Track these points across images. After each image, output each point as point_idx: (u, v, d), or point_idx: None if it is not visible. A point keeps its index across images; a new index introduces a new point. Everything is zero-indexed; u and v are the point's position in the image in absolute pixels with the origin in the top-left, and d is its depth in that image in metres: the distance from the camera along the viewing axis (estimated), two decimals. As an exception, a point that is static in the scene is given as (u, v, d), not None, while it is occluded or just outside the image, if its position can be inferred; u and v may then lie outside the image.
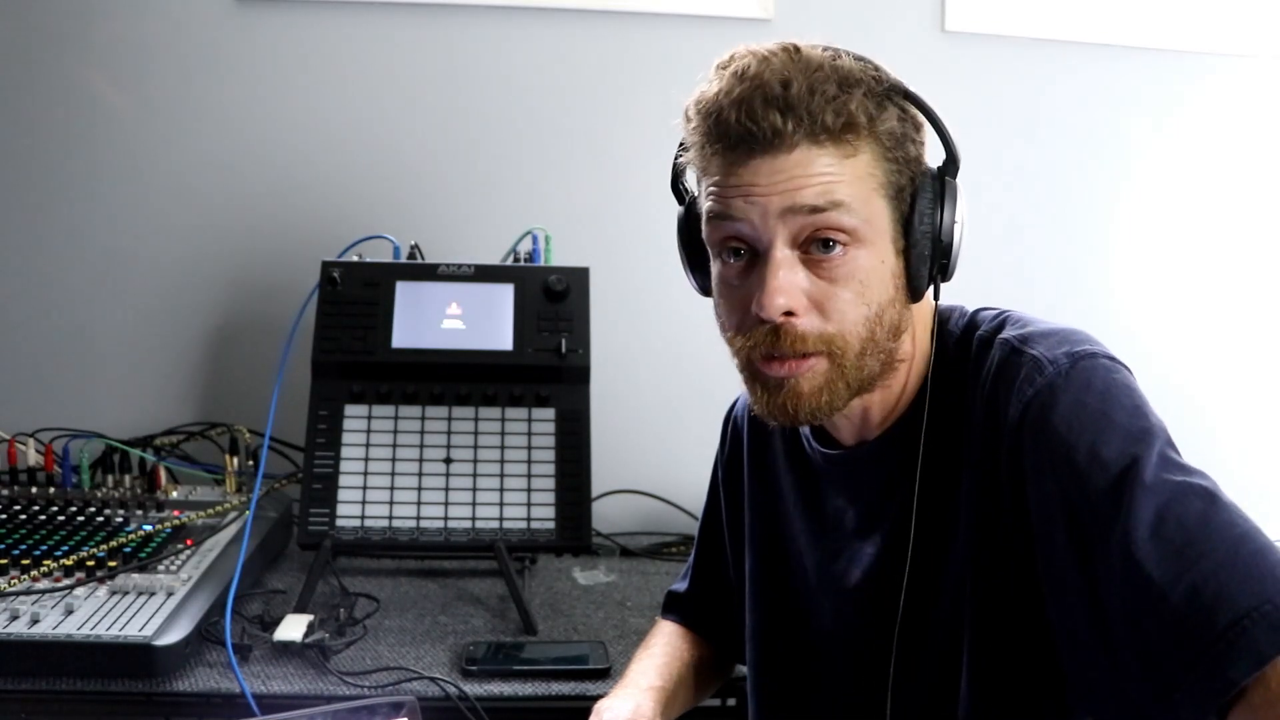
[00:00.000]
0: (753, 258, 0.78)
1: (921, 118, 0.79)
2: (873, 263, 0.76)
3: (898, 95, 0.78)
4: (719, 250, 0.80)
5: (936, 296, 0.82)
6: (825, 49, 0.77)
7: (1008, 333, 0.79)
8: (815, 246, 0.75)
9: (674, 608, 1.12)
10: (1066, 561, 0.70)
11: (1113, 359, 0.75)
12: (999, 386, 0.76)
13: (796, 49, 0.76)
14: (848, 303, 0.76)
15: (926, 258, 0.78)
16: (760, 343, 0.77)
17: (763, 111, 0.73)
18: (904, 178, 0.78)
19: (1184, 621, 0.62)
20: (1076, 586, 0.69)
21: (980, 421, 0.78)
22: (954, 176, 0.79)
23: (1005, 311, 0.84)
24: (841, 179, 0.74)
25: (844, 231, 0.75)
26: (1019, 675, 0.77)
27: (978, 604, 0.78)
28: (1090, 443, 0.70)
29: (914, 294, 0.80)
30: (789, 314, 0.75)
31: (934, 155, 0.81)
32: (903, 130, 0.78)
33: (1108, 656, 0.67)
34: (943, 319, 0.86)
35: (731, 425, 1.05)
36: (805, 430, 0.93)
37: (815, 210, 0.74)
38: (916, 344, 0.84)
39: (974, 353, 0.81)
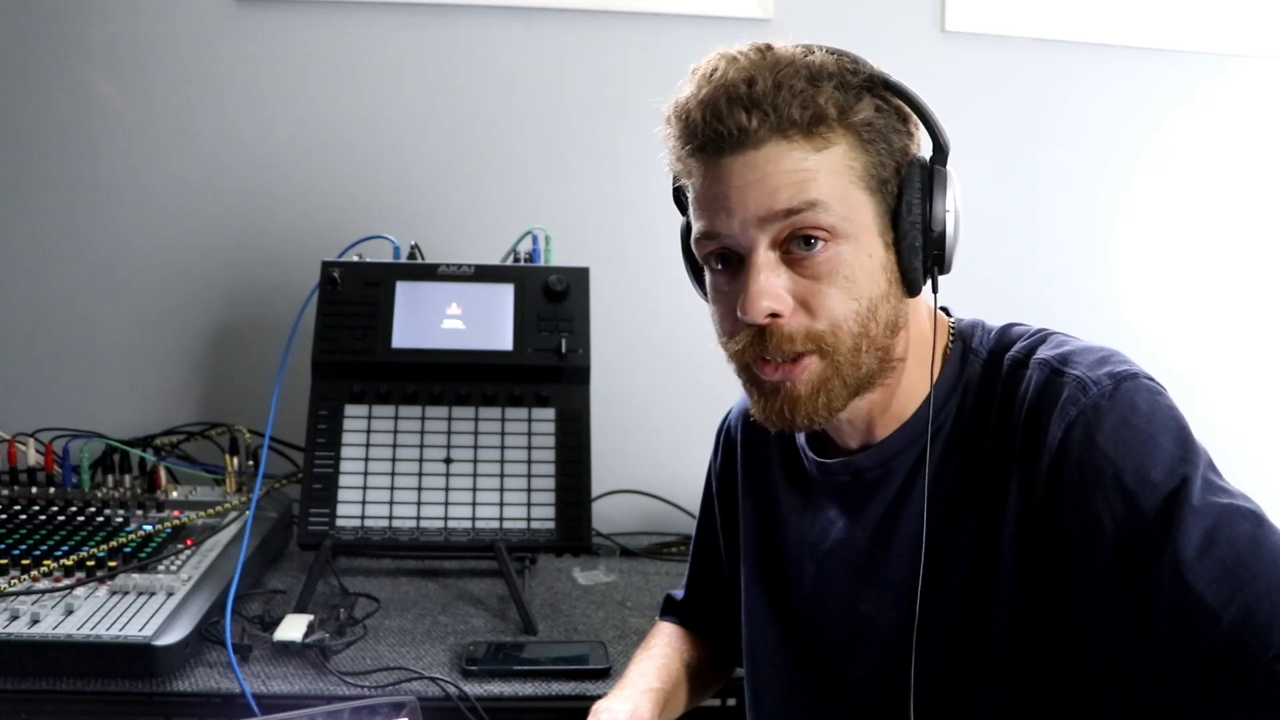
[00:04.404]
0: (739, 261, 0.77)
1: (907, 108, 0.78)
2: (858, 256, 0.75)
3: (877, 86, 0.76)
4: (706, 259, 0.80)
5: (935, 290, 0.80)
6: (801, 46, 0.76)
7: (1044, 353, 0.78)
8: (796, 244, 0.74)
9: (672, 611, 1.12)
10: (1111, 583, 0.69)
11: (1153, 381, 0.74)
12: (1039, 407, 0.75)
13: (768, 47, 0.76)
14: (835, 298, 0.75)
15: (918, 249, 0.76)
16: (749, 345, 0.77)
17: (728, 110, 0.73)
18: (887, 169, 0.76)
19: (1238, 642, 0.63)
20: (1121, 607, 0.69)
21: (1016, 442, 0.76)
22: (943, 164, 0.77)
23: (1041, 330, 0.82)
24: (816, 174, 0.73)
25: (823, 229, 0.74)
26: (1042, 697, 0.76)
27: (1001, 626, 0.77)
28: (1137, 464, 0.69)
29: (910, 288, 0.78)
30: (775, 315, 0.75)
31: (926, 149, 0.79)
32: (883, 121, 0.76)
33: (1152, 678, 0.67)
34: (964, 334, 0.84)
35: (725, 434, 1.04)
36: (801, 439, 0.92)
37: (791, 212, 0.73)
38: (911, 345, 0.82)
39: (1005, 371, 0.79)
